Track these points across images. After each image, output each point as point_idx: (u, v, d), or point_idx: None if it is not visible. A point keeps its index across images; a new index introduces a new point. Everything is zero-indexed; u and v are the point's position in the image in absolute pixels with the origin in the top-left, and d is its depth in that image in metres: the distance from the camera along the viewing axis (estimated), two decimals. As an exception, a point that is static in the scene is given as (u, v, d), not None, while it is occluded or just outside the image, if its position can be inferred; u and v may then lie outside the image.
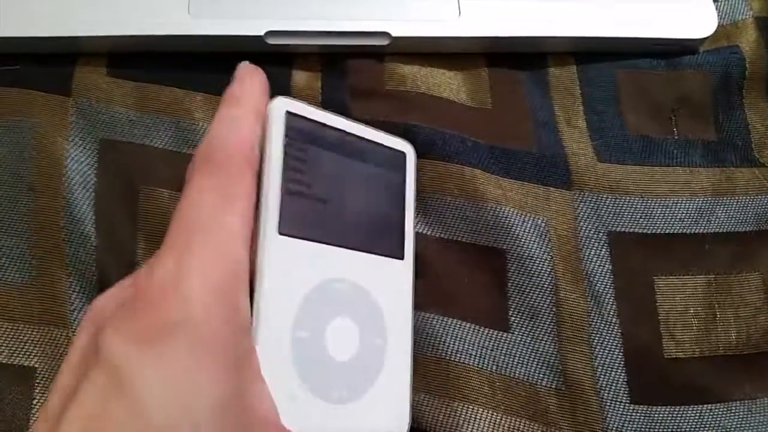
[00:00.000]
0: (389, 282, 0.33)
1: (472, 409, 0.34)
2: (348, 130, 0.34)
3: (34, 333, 0.35)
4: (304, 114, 0.32)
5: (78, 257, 0.36)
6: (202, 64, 0.40)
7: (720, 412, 0.35)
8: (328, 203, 0.32)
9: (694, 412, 0.35)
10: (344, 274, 0.32)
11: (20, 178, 0.37)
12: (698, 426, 0.35)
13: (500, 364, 0.35)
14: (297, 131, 0.31)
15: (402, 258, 0.34)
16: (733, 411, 0.35)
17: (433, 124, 0.39)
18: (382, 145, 0.35)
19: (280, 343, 0.29)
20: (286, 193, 0.30)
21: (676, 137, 0.41)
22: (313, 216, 0.31)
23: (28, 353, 0.35)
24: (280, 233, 0.30)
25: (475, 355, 0.35)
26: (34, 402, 0.34)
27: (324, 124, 0.33)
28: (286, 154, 0.31)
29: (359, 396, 0.31)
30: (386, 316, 0.33)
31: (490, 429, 0.34)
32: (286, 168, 0.30)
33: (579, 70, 0.42)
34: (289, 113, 0.31)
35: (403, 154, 0.36)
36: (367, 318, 0.32)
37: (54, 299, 0.35)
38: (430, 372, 0.35)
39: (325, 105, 0.40)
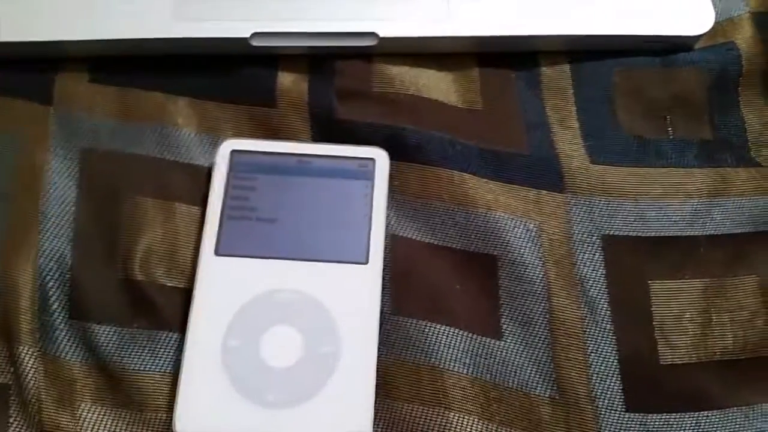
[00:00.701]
0: (348, 287, 0.35)
1: (467, 419, 0.33)
2: (303, 152, 0.37)
3: (3, 350, 0.34)
4: (251, 149, 0.37)
5: (51, 274, 0.35)
6: (185, 66, 0.40)
7: (717, 419, 0.34)
8: (276, 221, 0.36)
9: (691, 419, 0.34)
10: (290, 285, 0.34)
11: (-3, 190, 0.36)
12: (695, 433, 0.34)
13: (494, 373, 0.34)
14: (244, 165, 0.37)
15: (366, 262, 0.35)
16: (730, 417, 0.34)
17: (422, 126, 0.38)
18: (343, 157, 0.37)
19: (209, 352, 0.33)
20: (228, 218, 0.36)
21: (671, 137, 0.40)
22: (256, 235, 0.35)
23: (1, 370, 0.34)
24: (217, 254, 0.35)
25: (469, 364, 0.34)
26: (11, 420, 0.33)
27: (275, 153, 0.37)
28: (228, 186, 0.36)
29: (302, 402, 0.32)
30: (340, 322, 0.34)
31: None
32: (228, 197, 0.36)
33: (572, 69, 0.41)
34: (234, 151, 0.37)
35: (371, 161, 0.37)
36: (313, 325, 0.34)
37: (20, 315, 0.34)
38: (423, 381, 0.34)
39: (312, 107, 0.39)
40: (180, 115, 0.39)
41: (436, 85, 0.40)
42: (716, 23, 0.41)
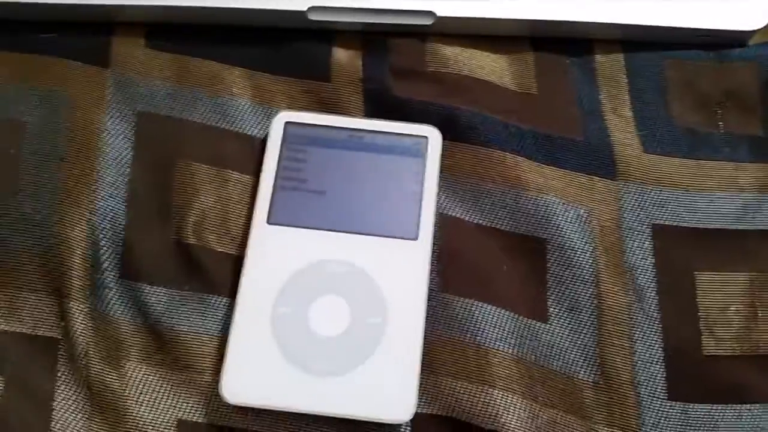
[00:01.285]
0: (397, 262, 0.35)
1: (511, 398, 0.33)
2: (356, 127, 0.38)
3: (55, 305, 0.34)
4: (305, 121, 0.38)
5: (104, 233, 0.35)
6: (241, 37, 0.40)
7: (758, 413, 0.34)
8: (328, 194, 0.36)
9: (732, 411, 0.34)
10: (339, 256, 0.35)
11: (53, 148, 0.36)
12: (735, 426, 0.34)
13: (538, 355, 0.35)
14: (297, 137, 0.37)
15: (415, 239, 0.35)
16: (772, 413, 0.34)
17: (475, 107, 0.38)
18: (396, 134, 0.37)
19: (259, 319, 0.33)
20: (280, 189, 0.36)
21: (722, 131, 0.40)
22: (308, 206, 0.36)
23: (51, 325, 0.34)
24: (269, 222, 0.35)
25: (514, 344, 0.35)
26: (59, 374, 0.33)
27: (329, 127, 0.38)
28: (281, 157, 0.37)
29: (348, 371, 0.33)
30: (388, 295, 0.34)
31: (529, 420, 0.33)
32: (281, 168, 0.37)
33: (626, 58, 0.41)
34: (288, 123, 0.37)
35: (424, 139, 0.37)
36: (362, 297, 0.34)
37: (72, 272, 0.35)
38: (468, 358, 0.34)
39: (366, 83, 0.39)
40: (235, 84, 0.39)
41: (491, 67, 0.40)
42: (773, 20, 0.41)
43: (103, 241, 0.35)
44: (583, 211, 0.37)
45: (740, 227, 0.37)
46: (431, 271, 0.35)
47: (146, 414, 0.33)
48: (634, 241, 0.37)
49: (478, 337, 0.34)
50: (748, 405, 0.34)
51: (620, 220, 0.37)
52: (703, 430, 0.34)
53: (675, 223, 0.37)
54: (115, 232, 0.35)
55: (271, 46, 0.40)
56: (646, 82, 0.40)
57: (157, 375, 0.34)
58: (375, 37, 0.40)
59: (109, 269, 0.35)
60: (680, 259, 0.37)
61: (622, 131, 0.39)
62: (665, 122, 0.40)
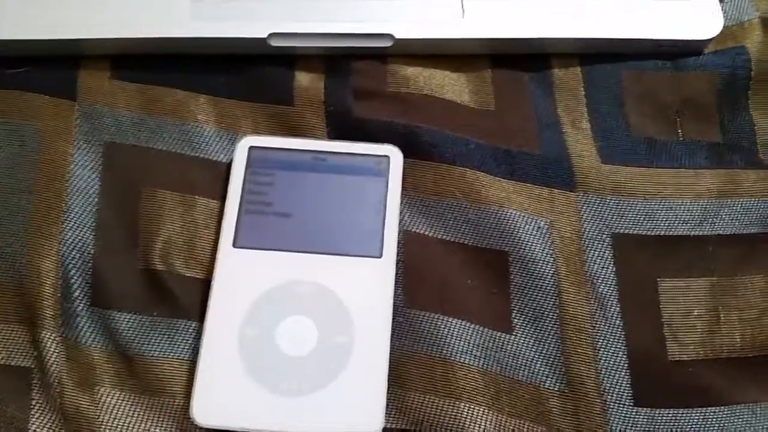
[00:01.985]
0: (362, 280, 0.35)
1: (478, 410, 0.34)
2: (319, 149, 0.38)
3: (27, 335, 0.35)
4: (269, 145, 0.38)
5: (73, 262, 0.36)
6: (205, 65, 0.41)
7: (724, 416, 0.35)
8: (293, 216, 0.37)
9: (698, 415, 0.35)
10: (305, 277, 0.35)
11: (21, 181, 0.37)
12: (702, 429, 0.34)
13: (504, 366, 0.35)
14: (261, 161, 0.38)
15: (380, 256, 0.36)
16: (737, 414, 0.35)
17: (436, 125, 0.39)
18: (359, 154, 0.38)
19: (227, 341, 0.34)
20: (246, 212, 0.37)
21: (681, 138, 0.41)
22: (273, 228, 0.37)
23: (24, 354, 0.35)
24: (235, 246, 0.36)
25: (479, 356, 0.35)
26: (33, 402, 0.34)
27: (292, 150, 0.38)
28: (246, 181, 0.37)
29: (316, 390, 0.33)
30: (354, 313, 0.35)
31: (495, 430, 0.34)
32: (246, 192, 0.37)
33: (583, 71, 0.42)
34: (252, 147, 0.38)
35: (386, 158, 0.38)
36: (328, 316, 0.35)
37: (44, 302, 0.35)
38: (435, 372, 0.35)
39: (328, 105, 0.40)
40: (200, 111, 0.40)
41: (450, 85, 0.41)
42: (726, 27, 0.42)
43: (73, 271, 0.36)
44: (543, 222, 0.38)
45: (700, 233, 0.38)
46: (396, 288, 0.36)
47: (120, 439, 0.34)
48: (594, 250, 0.37)
49: (444, 351, 0.35)
50: (714, 408, 0.35)
51: (580, 230, 0.38)
52: (670, 434, 0.34)
53: (635, 232, 0.38)
54: (84, 261, 0.36)
55: (234, 72, 0.41)
56: (604, 93, 0.41)
57: (130, 400, 0.34)
58: (336, 60, 0.41)
59: (79, 298, 0.35)
60: (641, 266, 0.37)
61: (580, 143, 0.40)
62: (623, 132, 0.40)
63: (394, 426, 0.34)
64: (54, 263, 0.36)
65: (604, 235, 0.38)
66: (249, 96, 0.40)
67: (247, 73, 0.41)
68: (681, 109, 0.41)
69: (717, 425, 0.35)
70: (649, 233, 0.38)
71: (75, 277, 0.36)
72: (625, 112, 0.41)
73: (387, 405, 0.34)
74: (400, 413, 0.34)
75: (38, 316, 0.35)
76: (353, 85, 0.40)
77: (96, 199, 0.37)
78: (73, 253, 0.36)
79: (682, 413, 0.35)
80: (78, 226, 0.37)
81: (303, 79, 0.41)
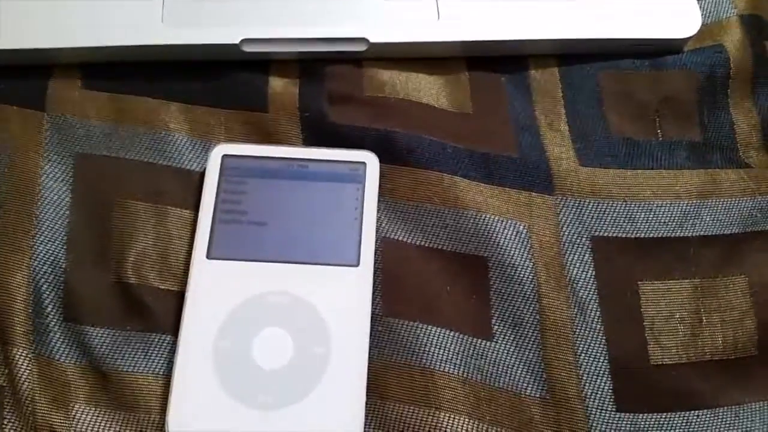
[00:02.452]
0: (339, 289, 0.35)
1: (458, 419, 0.33)
2: (294, 156, 0.38)
3: None
4: (243, 153, 0.38)
5: (45, 277, 0.35)
6: (177, 72, 0.40)
7: (707, 418, 0.34)
8: (268, 225, 0.36)
9: (681, 418, 0.34)
10: (280, 287, 0.35)
11: (-9, 195, 0.37)
12: (685, 433, 0.34)
13: (484, 373, 0.35)
14: (235, 170, 0.37)
15: (357, 264, 0.35)
16: (720, 417, 0.34)
17: (412, 129, 0.39)
18: (334, 161, 0.38)
19: (201, 354, 0.33)
20: (220, 222, 0.36)
21: (661, 138, 0.40)
22: (248, 238, 0.36)
23: None
24: (209, 257, 0.35)
25: (459, 364, 0.35)
26: (5, 421, 0.33)
27: (266, 158, 0.38)
28: (220, 190, 0.37)
29: (292, 403, 0.33)
30: (331, 324, 0.34)
31: None
32: (220, 201, 0.36)
33: (561, 72, 0.41)
34: (226, 156, 0.37)
35: (362, 165, 0.37)
36: (304, 327, 0.34)
37: (15, 318, 0.34)
38: (414, 382, 0.34)
39: (303, 111, 0.39)
40: (172, 120, 0.39)
41: (426, 89, 0.41)
42: (704, 26, 0.42)
43: (45, 286, 0.35)
44: (522, 227, 0.37)
45: (681, 234, 0.38)
46: (374, 296, 0.35)
47: (96, 456, 0.33)
48: (573, 254, 0.37)
49: (424, 360, 0.34)
50: (697, 411, 0.35)
51: (559, 234, 0.37)
52: (654, 439, 0.34)
53: (614, 234, 0.37)
54: (56, 275, 0.35)
55: (206, 79, 0.40)
56: (582, 94, 0.41)
57: (105, 416, 0.34)
58: (311, 65, 0.40)
59: (52, 313, 0.35)
60: (621, 269, 0.37)
61: (558, 145, 0.39)
62: (602, 133, 0.40)
63: (373, 437, 0.33)
64: (25, 278, 0.35)
65: (584, 239, 0.37)
66: (222, 103, 0.40)
67: (220, 80, 0.40)
68: (660, 109, 0.41)
69: (700, 429, 0.34)
70: (628, 236, 0.37)
71: (47, 292, 0.35)
72: (603, 112, 0.41)
73: (366, 416, 0.33)
74: (380, 424, 0.34)
75: (9, 333, 0.34)
76: (328, 90, 0.40)
77: (67, 212, 0.37)
78: (45, 267, 0.35)
79: (666, 417, 0.34)
80: (49, 240, 0.36)
81: (277, 84, 0.40)
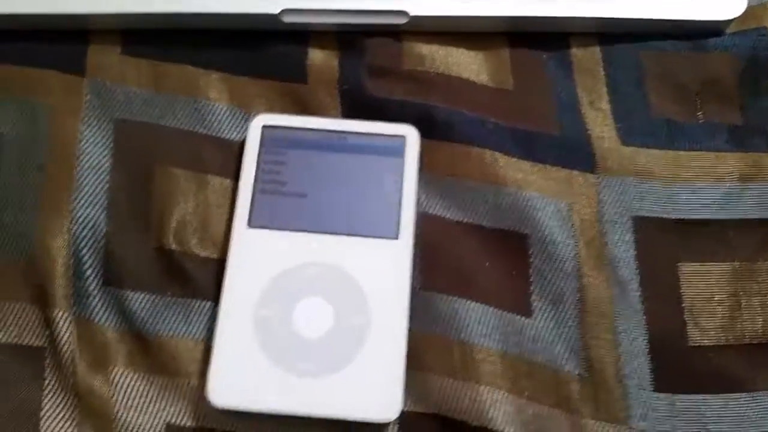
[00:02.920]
0: (379, 262, 0.35)
1: (497, 393, 0.33)
2: (334, 128, 0.38)
3: (39, 314, 0.34)
4: (283, 124, 0.37)
5: (85, 241, 0.35)
6: (217, 41, 0.40)
7: (745, 402, 0.34)
8: (308, 196, 0.36)
9: (719, 400, 0.34)
10: (320, 258, 0.35)
11: (31, 158, 0.36)
12: (722, 415, 0.34)
13: (523, 349, 0.35)
14: (275, 140, 0.37)
15: (396, 237, 0.35)
16: (758, 401, 0.34)
17: (452, 104, 0.38)
18: (374, 134, 0.37)
19: (242, 322, 0.33)
20: (260, 192, 0.36)
21: (701, 120, 0.40)
22: (288, 208, 0.36)
23: (36, 333, 0.34)
24: (250, 226, 0.35)
25: (498, 339, 0.34)
26: (46, 383, 0.33)
27: (306, 129, 0.37)
28: (260, 160, 0.37)
29: (333, 372, 0.33)
30: (371, 295, 0.34)
31: (516, 415, 0.33)
32: (260, 171, 0.36)
33: (603, 51, 0.41)
34: (266, 126, 0.37)
35: (402, 138, 0.37)
36: (344, 298, 0.34)
37: (55, 281, 0.34)
38: (453, 355, 0.34)
39: (342, 84, 0.39)
40: (212, 89, 0.39)
41: (467, 63, 0.40)
42: (748, 8, 0.41)
43: (85, 250, 0.35)
44: (563, 205, 0.37)
45: (722, 217, 0.37)
46: (413, 270, 0.35)
47: (135, 419, 0.33)
48: (615, 233, 0.37)
49: (462, 334, 0.34)
50: (735, 394, 0.34)
51: (600, 213, 0.37)
52: (690, 420, 0.34)
53: (656, 215, 0.37)
54: (96, 240, 0.35)
55: (246, 48, 0.40)
56: (624, 74, 0.40)
57: (145, 380, 0.34)
58: (350, 37, 0.40)
59: (91, 277, 0.35)
60: (662, 250, 0.37)
61: (600, 124, 0.39)
62: (643, 114, 0.40)
63: (412, 410, 0.33)
64: (65, 241, 0.35)
65: (625, 218, 0.37)
66: (261, 73, 0.39)
67: (259, 50, 0.40)
68: (701, 91, 0.41)
69: (738, 411, 0.34)
70: (669, 216, 0.37)
71: (87, 256, 0.35)
72: (645, 92, 0.40)
73: (405, 388, 0.33)
74: (419, 397, 0.33)
75: (50, 294, 0.34)
76: (368, 62, 0.39)
77: (107, 177, 0.36)
78: (85, 231, 0.35)
79: (703, 399, 0.34)
80: (90, 204, 0.36)
81: (316, 56, 0.40)
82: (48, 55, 0.39)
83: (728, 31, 0.42)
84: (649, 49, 0.41)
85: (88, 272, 0.35)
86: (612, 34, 0.41)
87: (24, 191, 0.36)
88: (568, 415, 0.34)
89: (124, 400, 0.33)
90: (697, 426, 0.34)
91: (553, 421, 0.34)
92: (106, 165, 0.37)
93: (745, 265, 0.37)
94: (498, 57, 0.41)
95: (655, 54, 0.41)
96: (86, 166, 0.36)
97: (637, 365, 0.35)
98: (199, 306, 0.35)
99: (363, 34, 0.40)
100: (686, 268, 0.36)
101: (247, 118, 0.39)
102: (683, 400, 0.34)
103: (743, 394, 0.34)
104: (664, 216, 0.37)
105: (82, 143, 0.37)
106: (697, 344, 0.35)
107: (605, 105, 0.40)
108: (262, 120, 0.37)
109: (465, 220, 0.37)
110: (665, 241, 0.37)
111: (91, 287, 0.35)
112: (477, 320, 0.35)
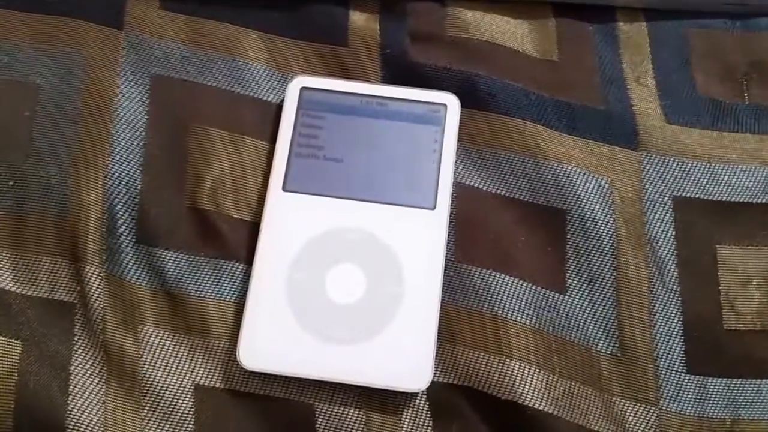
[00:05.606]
0: (414, 231, 0.34)
1: (528, 369, 0.33)
2: (374, 93, 0.37)
3: (71, 269, 0.34)
4: (322, 87, 0.37)
5: (119, 197, 0.35)
6: (257, 0, 0.39)
7: (778, 389, 0.34)
8: (345, 161, 0.35)
9: (752, 386, 0.34)
10: (356, 224, 0.34)
11: (67, 111, 0.36)
12: (755, 400, 0.34)
13: (556, 326, 0.34)
14: (313, 103, 0.36)
15: (433, 208, 0.35)
16: (790, 387, 0.34)
17: (495, 74, 0.38)
18: (414, 101, 0.37)
19: (275, 285, 0.33)
20: (296, 156, 0.35)
21: (747, 102, 0.39)
22: (324, 173, 0.35)
23: (67, 289, 0.34)
24: (285, 190, 0.35)
25: (531, 315, 0.34)
26: (75, 338, 0.33)
27: (345, 93, 0.37)
28: (297, 123, 0.36)
29: (364, 340, 0.33)
30: (405, 264, 0.34)
31: (546, 390, 0.33)
32: (297, 134, 0.36)
33: (649, 27, 0.40)
34: (304, 88, 0.37)
35: (443, 107, 0.36)
36: (378, 265, 0.34)
37: (88, 236, 0.34)
38: (485, 329, 0.34)
39: (384, 48, 0.38)
40: (251, 48, 0.38)
41: (512, 32, 0.39)
42: (802, -13, 0.40)
43: (119, 206, 0.35)
44: (604, 181, 0.36)
45: (763, 201, 0.37)
46: (448, 241, 0.35)
47: (163, 379, 0.33)
48: (655, 213, 0.36)
49: (496, 308, 0.34)
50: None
51: (642, 191, 0.36)
52: (722, 404, 0.34)
53: (697, 196, 0.37)
54: (131, 196, 0.35)
55: (287, 9, 0.39)
56: (670, 51, 0.40)
57: (174, 340, 0.34)
58: (393, 1, 0.39)
59: (124, 234, 0.35)
60: (702, 232, 0.36)
61: (645, 101, 0.38)
62: (689, 92, 0.39)
63: (442, 380, 0.33)
64: (99, 196, 0.35)
65: (666, 198, 0.36)
66: (301, 34, 0.39)
67: (300, 10, 0.39)
68: (749, 72, 0.40)
69: (770, 398, 0.34)
70: (710, 198, 0.37)
71: (120, 212, 0.35)
72: (690, 70, 0.39)
73: (436, 359, 0.33)
74: (449, 368, 0.33)
75: (82, 250, 0.34)
76: (410, 27, 0.39)
77: (143, 133, 0.36)
78: (119, 187, 0.35)
79: (736, 383, 0.34)
80: (125, 160, 0.35)
81: (358, 19, 0.39)
82: (86, 6, 0.38)
83: (780, 10, 0.41)
84: (696, 26, 0.40)
85: (122, 229, 0.35)
86: (659, 9, 0.40)
87: (59, 144, 0.35)
88: (598, 393, 0.34)
89: (154, 360, 0.33)
90: (728, 410, 0.34)
91: (583, 398, 0.33)
92: (142, 121, 0.36)
93: (784, 251, 0.36)
94: (543, 27, 0.40)
95: (702, 32, 0.40)
96: (122, 121, 0.36)
97: (671, 346, 0.34)
98: (232, 267, 0.34)
99: (405, -2, 0.39)
100: (724, 251, 0.36)
101: (285, 80, 0.38)
102: (716, 384, 0.34)
103: None
104: (705, 197, 0.37)
105: (118, 98, 0.36)
106: (733, 328, 0.35)
107: (651, 81, 0.39)
108: (300, 82, 0.37)
109: (503, 192, 0.36)
110: (705, 223, 0.36)
111: (124, 244, 0.34)
112: (511, 294, 0.34)
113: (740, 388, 0.34)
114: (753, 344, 0.35)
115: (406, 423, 0.33)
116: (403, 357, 0.33)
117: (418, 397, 0.33)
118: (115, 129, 0.36)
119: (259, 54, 0.38)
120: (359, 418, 0.33)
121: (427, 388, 0.32)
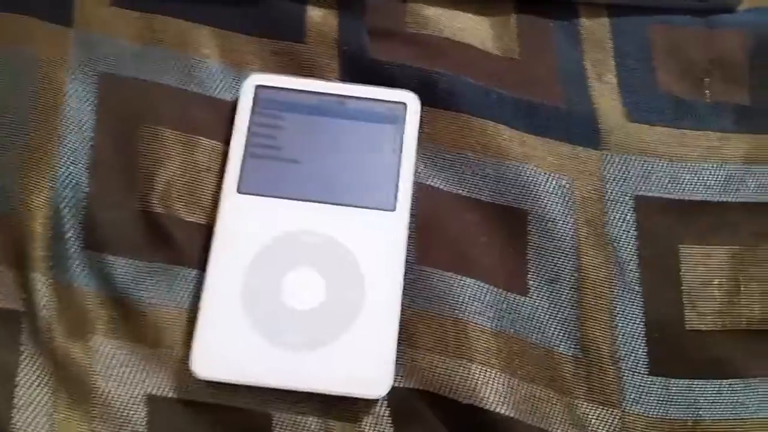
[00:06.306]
0: (373, 234, 0.33)
1: (490, 372, 0.33)
2: (331, 92, 0.36)
3: (16, 277, 0.33)
4: (278, 85, 0.36)
5: (66, 201, 0.34)
6: (211, -5, 0.38)
7: (739, 388, 0.34)
8: (302, 162, 0.34)
9: (713, 386, 0.34)
10: (313, 227, 0.33)
11: (14, 110, 0.35)
12: (716, 401, 0.34)
13: (518, 328, 0.34)
14: (269, 102, 0.35)
15: (393, 209, 0.34)
16: (752, 387, 0.34)
17: (456, 72, 0.37)
18: (373, 99, 0.36)
19: (229, 291, 0.32)
20: (251, 156, 0.34)
21: (708, 100, 0.39)
22: (281, 175, 0.34)
23: (13, 297, 0.33)
24: (240, 192, 0.34)
25: (493, 317, 0.34)
26: (22, 348, 0.32)
27: (302, 91, 0.36)
28: (252, 123, 0.35)
29: (322, 345, 0.32)
30: (365, 268, 0.33)
31: (507, 394, 0.33)
32: (252, 134, 0.35)
33: (611, 23, 0.40)
34: (260, 86, 0.35)
35: (402, 105, 0.36)
36: (337, 269, 0.33)
37: (34, 242, 0.33)
38: (446, 332, 0.33)
39: (342, 44, 0.37)
40: (204, 45, 0.37)
41: (473, 29, 0.39)
42: (762, -16, 0.40)
43: (66, 210, 0.34)
44: (564, 181, 0.36)
45: (724, 199, 0.37)
46: (409, 243, 0.34)
47: (114, 389, 0.32)
48: (616, 212, 0.36)
49: (457, 311, 0.33)
50: (729, 380, 0.34)
51: (603, 190, 0.36)
52: (684, 405, 0.33)
53: (659, 195, 0.36)
54: (78, 200, 0.34)
55: (242, 4, 0.38)
56: (632, 47, 0.39)
57: (125, 349, 0.33)
58: (351, -4, 0.38)
59: (72, 239, 0.33)
60: (663, 231, 0.36)
61: (606, 98, 0.38)
62: (651, 89, 0.38)
63: (402, 386, 0.33)
64: (46, 201, 0.33)
65: (627, 197, 0.36)
66: (257, 30, 0.38)
67: (256, 6, 0.38)
68: (710, 69, 0.39)
69: (731, 397, 0.34)
70: (672, 197, 0.36)
71: (67, 217, 0.33)
72: (652, 67, 0.39)
73: (396, 363, 0.32)
74: (410, 373, 0.33)
75: (28, 256, 0.33)
76: (369, 23, 0.38)
77: (91, 134, 0.35)
78: (66, 191, 0.34)
79: (698, 384, 0.34)
80: (72, 163, 0.34)
81: (315, 14, 0.38)
82: (34, 3, 0.37)
83: (740, 8, 0.40)
84: (659, 22, 0.40)
85: (69, 234, 0.33)
86: (621, 5, 0.40)
87: (5, 145, 0.34)
88: (560, 396, 0.33)
89: (104, 370, 0.32)
90: (690, 411, 0.33)
91: (545, 401, 0.33)
92: (90, 122, 0.35)
93: (746, 250, 0.36)
94: (505, 23, 0.39)
95: (664, 28, 0.40)
96: (70, 121, 0.35)
97: (633, 348, 0.34)
98: (184, 273, 0.33)
99: (364, -7, 0.39)
100: (686, 250, 0.36)
101: (240, 78, 0.37)
102: (678, 385, 0.34)
103: (737, 380, 0.34)
104: (667, 196, 0.36)
105: (66, 97, 0.35)
106: (695, 328, 0.35)
107: (612, 78, 0.38)
108: (256, 80, 0.36)
109: (464, 193, 0.36)
110: (667, 222, 0.36)
111: (71, 250, 0.33)
112: (472, 297, 0.34)
113: (702, 389, 0.34)
114: (714, 344, 0.34)
115: (366, 430, 0.32)
116: (363, 363, 0.32)
117: (379, 404, 0.32)
118: (63, 130, 0.35)
119: (212, 51, 0.37)
120: (318, 427, 0.32)
121: (388, 394, 0.32)
